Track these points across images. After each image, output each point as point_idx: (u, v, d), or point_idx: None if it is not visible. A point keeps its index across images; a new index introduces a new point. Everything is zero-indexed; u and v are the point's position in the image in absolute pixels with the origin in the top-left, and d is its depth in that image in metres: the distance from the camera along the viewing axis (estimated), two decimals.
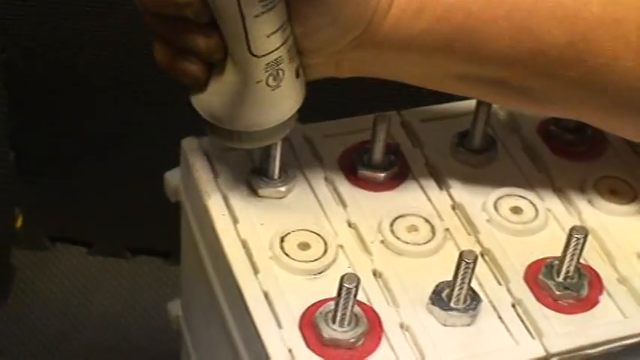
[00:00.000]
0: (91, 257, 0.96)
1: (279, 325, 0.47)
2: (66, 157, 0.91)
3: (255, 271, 0.49)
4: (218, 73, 0.48)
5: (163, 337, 0.89)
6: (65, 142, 0.90)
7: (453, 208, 0.54)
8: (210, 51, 0.47)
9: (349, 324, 0.46)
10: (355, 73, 0.50)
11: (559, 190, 0.55)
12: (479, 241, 0.52)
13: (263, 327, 0.47)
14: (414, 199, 0.54)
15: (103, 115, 0.88)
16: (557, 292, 0.49)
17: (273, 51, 0.46)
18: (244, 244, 0.50)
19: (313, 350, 0.46)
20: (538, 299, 0.49)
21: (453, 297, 0.48)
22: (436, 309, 0.48)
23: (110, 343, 0.91)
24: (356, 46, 0.47)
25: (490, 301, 0.49)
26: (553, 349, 0.47)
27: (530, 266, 0.51)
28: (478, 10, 0.46)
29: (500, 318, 0.49)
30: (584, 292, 0.49)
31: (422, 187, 0.54)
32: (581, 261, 0.50)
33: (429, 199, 0.54)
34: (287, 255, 0.50)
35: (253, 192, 0.53)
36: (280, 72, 0.47)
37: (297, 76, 0.48)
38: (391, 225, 0.52)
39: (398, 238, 0.51)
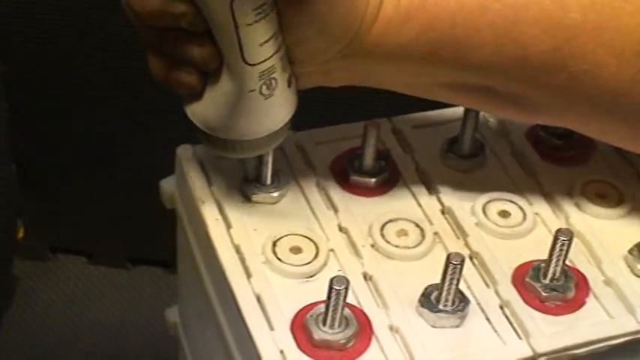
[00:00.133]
0: (91, 267, 0.97)
1: (271, 327, 0.48)
2: (66, 169, 0.92)
3: (248, 275, 0.50)
4: (213, 82, 0.49)
5: (163, 347, 0.89)
6: (66, 154, 0.91)
7: (443, 212, 0.55)
8: (205, 60, 0.48)
9: (339, 326, 0.47)
10: (345, 82, 0.51)
11: (547, 195, 0.56)
12: (467, 245, 0.53)
13: (255, 329, 0.48)
14: (405, 203, 0.55)
15: (104, 127, 0.88)
16: (544, 294, 0.50)
17: (266, 59, 0.47)
18: (237, 249, 0.51)
19: (304, 351, 0.47)
20: (525, 301, 0.50)
21: (442, 299, 0.49)
22: (425, 311, 0.49)
23: (110, 352, 0.91)
24: (344, 55, 0.48)
25: (478, 303, 0.50)
26: (540, 349, 0.48)
27: (517, 269, 0.52)
28: (462, 20, 0.47)
29: (488, 319, 0.49)
30: (571, 293, 0.50)
31: (412, 192, 0.55)
32: (569, 263, 0.51)
33: (419, 204, 0.55)
34: (279, 259, 0.51)
35: (246, 198, 0.54)
36: (273, 81, 0.48)
37: (290, 85, 0.50)
38: (381, 229, 0.53)
39: (388, 242, 0.52)
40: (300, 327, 0.48)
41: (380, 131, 0.55)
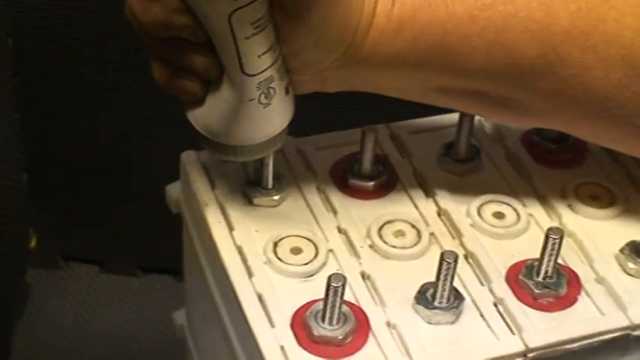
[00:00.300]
0: (103, 275, 0.98)
1: (272, 325, 0.49)
2: (77, 178, 0.93)
3: (250, 274, 0.52)
4: (214, 90, 0.50)
5: (174, 354, 0.90)
6: (76, 163, 0.92)
7: (439, 214, 0.56)
8: (207, 69, 0.49)
9: (338, 322, 0.48)
10: (340, 88, 0.52)
11: (541, 197, 0.57)
12: (463, 245, 0.54)
13: (257, 326, 0.49)
14: (402, 206, 0.56)
15: (115, 137, 0.90)
16: (537, 291, 0.51)
17: (264, 70, 0.49)
18: (240, 250, 0.53)
19: (304, 347, 0.48)
20: (518, 298, 0.51)
21: (437, 296, 0.50)
22: (421, 308, 0.50)
23: None
24: (339, 64, 0.50)
25: (473, 301, 0.51)
26: (532, 344, 0.49)
27: (511, 268, 0.53)
28: (453, 28, 0.49)
29: (482, 316, 0.51)
30: (563, 290, 0.52)
31: (409, 195, 0.57)
32: (561, 262, 0.53)
33: (416, 206, 0.56)
34: (280, 259, 0.52)
35: (249, 201, 0.56)
36: (271, 90, 0.50)
37: (287, 92, 0.51)
38: (379, 230, 0.54)
39: (385, 243, 0.54)
40: (299, 324, 0.49)
41: (378, 137, 0.57)
